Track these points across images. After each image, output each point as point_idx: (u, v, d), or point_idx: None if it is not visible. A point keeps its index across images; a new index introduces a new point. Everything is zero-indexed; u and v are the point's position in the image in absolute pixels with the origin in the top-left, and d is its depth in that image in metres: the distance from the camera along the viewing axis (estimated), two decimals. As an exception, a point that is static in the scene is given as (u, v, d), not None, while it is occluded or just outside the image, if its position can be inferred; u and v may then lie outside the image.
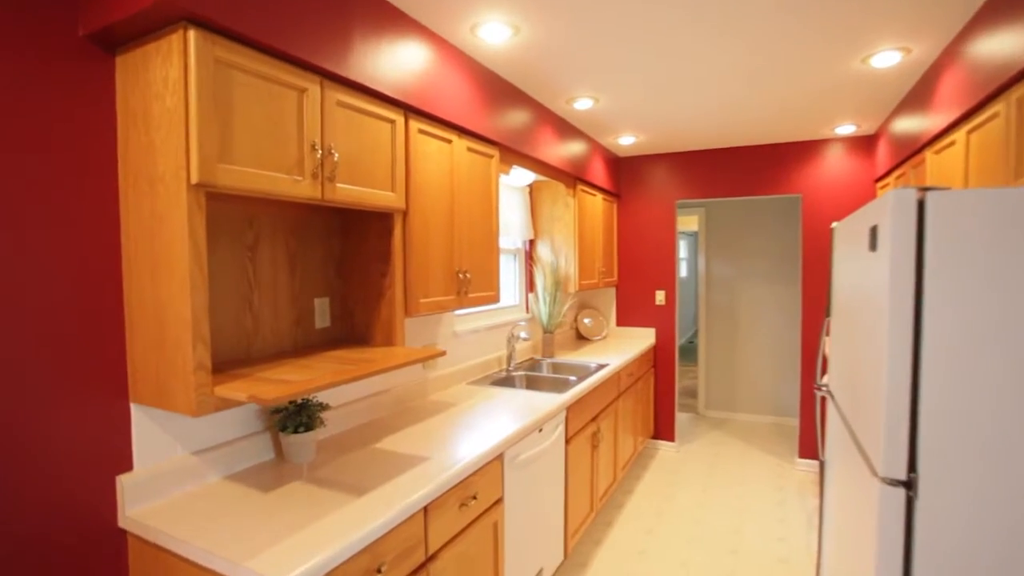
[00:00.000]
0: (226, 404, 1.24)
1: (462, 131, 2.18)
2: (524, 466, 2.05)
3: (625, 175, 4.34)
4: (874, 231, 1.16)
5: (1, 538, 1.14)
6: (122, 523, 1.33)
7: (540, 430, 2.18)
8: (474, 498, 1.68)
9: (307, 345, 1.85)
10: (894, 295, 1.05)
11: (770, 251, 5.03)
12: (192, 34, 1.15)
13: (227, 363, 1.55)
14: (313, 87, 1.44)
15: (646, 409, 4.10)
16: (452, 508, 1.57)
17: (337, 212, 1.95)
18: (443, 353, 1.71)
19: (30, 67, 1.18)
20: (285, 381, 1.29)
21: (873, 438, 1.16)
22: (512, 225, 3.36)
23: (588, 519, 2.80)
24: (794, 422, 4.96)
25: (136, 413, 1.37)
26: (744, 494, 3.44)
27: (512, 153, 2.67)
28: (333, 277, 1.96)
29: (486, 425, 2.01)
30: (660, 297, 4.27)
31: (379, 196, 1.70)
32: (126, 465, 1.35)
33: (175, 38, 1.17)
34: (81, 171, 1.27)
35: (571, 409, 2.52)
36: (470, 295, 2.25)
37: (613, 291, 4.45)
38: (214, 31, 1.20)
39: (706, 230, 5.29)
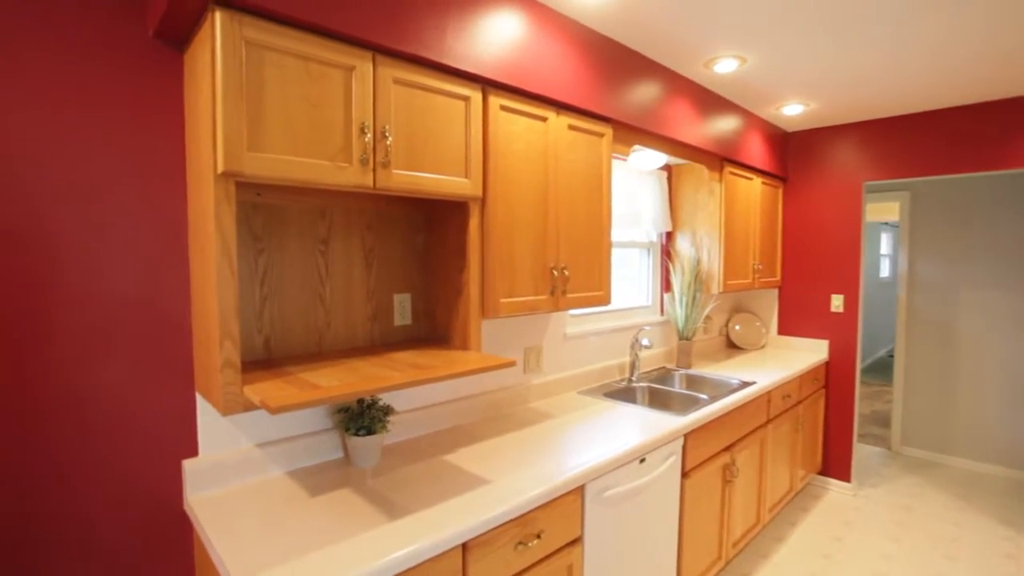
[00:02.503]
0: (253, 405, 1.18)
1: (561, 106, 1.90)
2: (616, 502, 1.72)
3: (794, 154, 3.58)
4: None
5: (82, 503, 1.24)
6: (186, 507, 1.37)
7: (642, 460, 1.82)
8: (538, 537, 1.43)
9: (384, 343, 1.77)
10: None
11: (1008, 248, 3.76)
12: (218, 16, 1.08)
13: (293, 358, 1.53)
14: (363, 64, 1.31)
15: (811, 438, 3.35)
16: (505, 547, 1.34)
17: (419, 203, 1.84)
18: (511, 363, 1.48)
19: (109, 70, 1.25)
20: (314, 386, 1.19)
21: None
22: (644, 215, 2.96)
23: (714, 569, 2.33)
24: (1043, 479, 3.66)
25: (201, 401, 1.40)
26: (951, 575, 2.58)
27: (632, 131, 2.30)
28: (416, 273, 1.85)
29: (577, 447, 1.73)
30: (837, 302, 3.44)
31: (448, 183, 1.53)
32: (192, 451, 1.39)
33: (207, 23, 1.12)
34: (161, 173, 1.32)
35: (691, 436, 2.09)
36: (568, 295, 1.98)
37: (775, 293, 3.74)
38: (243, 11, 1.12)
39: (910, 219, 4.16)
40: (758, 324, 3.75)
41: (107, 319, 1.26)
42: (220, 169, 1.10)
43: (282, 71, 1.18)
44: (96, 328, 1.24)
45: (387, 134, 1.36)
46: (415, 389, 1.88)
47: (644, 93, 2.25)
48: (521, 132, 1.76)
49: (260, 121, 1.15)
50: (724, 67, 2.35)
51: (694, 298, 3.04)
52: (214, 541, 1.14)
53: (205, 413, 1.41)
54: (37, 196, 1.16)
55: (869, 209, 6.15)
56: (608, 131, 2.10)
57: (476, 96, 1.59)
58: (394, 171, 1.39)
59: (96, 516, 1.26)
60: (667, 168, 3.16)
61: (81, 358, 1.23)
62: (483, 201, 1.66)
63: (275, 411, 1.02)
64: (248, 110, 1.13)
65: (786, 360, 3.25)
